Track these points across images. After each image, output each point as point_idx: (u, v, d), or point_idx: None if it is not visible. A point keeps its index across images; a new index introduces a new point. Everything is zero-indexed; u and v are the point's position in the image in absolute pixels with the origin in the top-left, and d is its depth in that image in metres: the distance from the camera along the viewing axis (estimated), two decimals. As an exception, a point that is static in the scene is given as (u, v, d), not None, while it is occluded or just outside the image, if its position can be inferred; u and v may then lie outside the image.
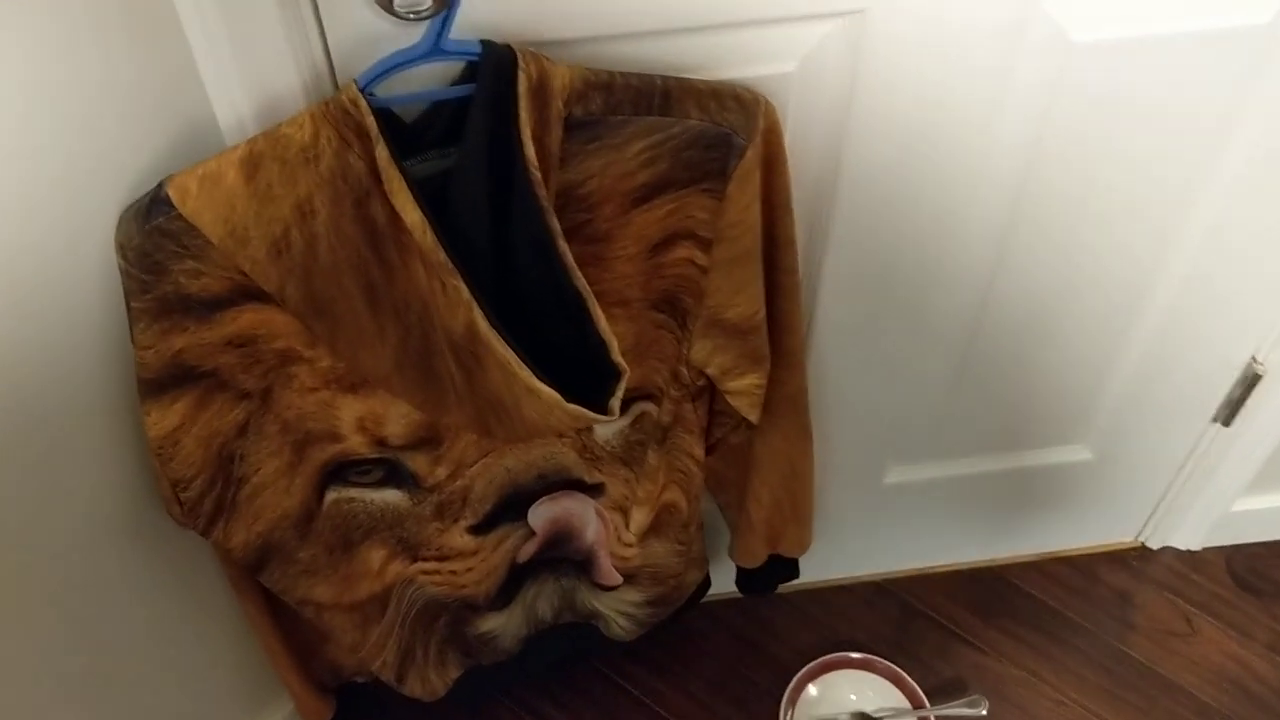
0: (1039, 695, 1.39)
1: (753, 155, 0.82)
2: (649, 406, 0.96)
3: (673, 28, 0.82)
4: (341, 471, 0.91)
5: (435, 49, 0.75)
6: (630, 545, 1.07)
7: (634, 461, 0.99)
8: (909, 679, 1.33)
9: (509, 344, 0.74)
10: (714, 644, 1.44)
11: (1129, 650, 1.43)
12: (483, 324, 0.74)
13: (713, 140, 0.80)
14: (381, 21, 0.76)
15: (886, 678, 1.35)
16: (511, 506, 0.98)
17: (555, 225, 0.75)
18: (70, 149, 0.73)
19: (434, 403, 0.83)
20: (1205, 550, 1.52)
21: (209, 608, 1.07)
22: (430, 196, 0.73)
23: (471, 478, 0.94)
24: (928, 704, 1.32)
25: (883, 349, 1.14)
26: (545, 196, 0.75)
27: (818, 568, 1.41)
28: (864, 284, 1.06)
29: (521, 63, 0.74)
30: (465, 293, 0.73)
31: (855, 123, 0.91)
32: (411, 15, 0.70)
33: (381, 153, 0.72)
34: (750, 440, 1.05)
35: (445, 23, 0.74)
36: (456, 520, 0.97)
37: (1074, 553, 1.52)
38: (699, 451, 1.03)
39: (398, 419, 0.88)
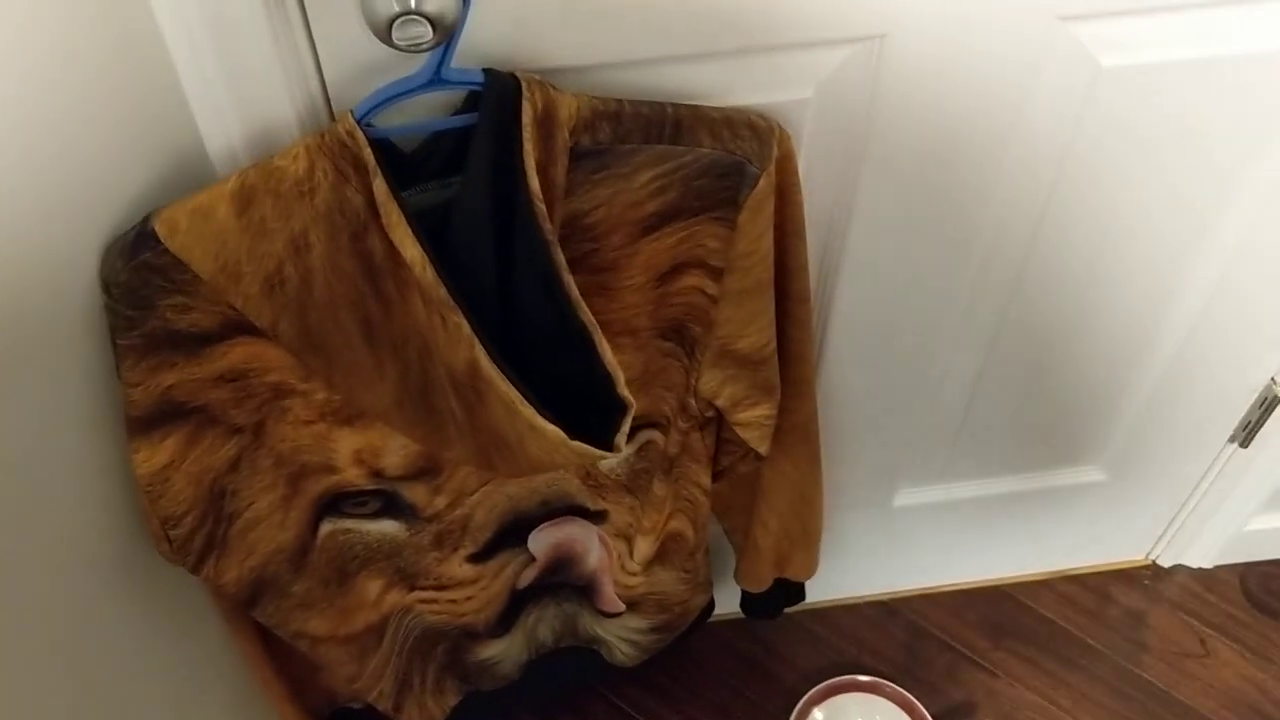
0: (1051, 721, 1.37)
1: (766, 184, 0.80)
2: (655, 435, 0.95)
3: (686, 54, 0.80)
4: (337, 503, 0.90)
5: (436, 78, 0.73)
6: (634, 574, 1.05)
7: (639, 490, 0.98)
8: (919, 704, 1.31)
9: (512, 381, 0.72)
10: (717, 666, 1.42)
11: (1142, 673, 1.41)
12: (485, 361, 0.71)
13: (725, 169, 0.78)
14: (379, 49, 0.73)
15: (895, 702, 1.32)
16: (512, 533, 0.97)
17: (560, 259, 0.73)
18: (54, 179, 0.70)
19: (434, 438, 0.81)
20: (1218, 569, 1.51)
21: (199, 636, 1.05)
22: (430, 229, 0.71)
23: (472, 506, 0.93)
24: (937, 730, 1.31)
25: (895, 375, 1.13)
26: (550, 230, 0.73)
27: (823, 586, 1.39)
28: (877, 312, 1.05)
29: (526, 92, 0.72)
30: (466, 329, 0.71)
31: (872, 149, 0.89)
32: (412, 49, 0.67)
33: (380, 186, 0.70)
34: (759, 468, 1.04)
35: (447, 52, 0.71)
36: (456, 549, 0.96)
37: (1084, 571, 1.50)
38: (706, 481, 1.02)
39: (396, 450, 0.86)
